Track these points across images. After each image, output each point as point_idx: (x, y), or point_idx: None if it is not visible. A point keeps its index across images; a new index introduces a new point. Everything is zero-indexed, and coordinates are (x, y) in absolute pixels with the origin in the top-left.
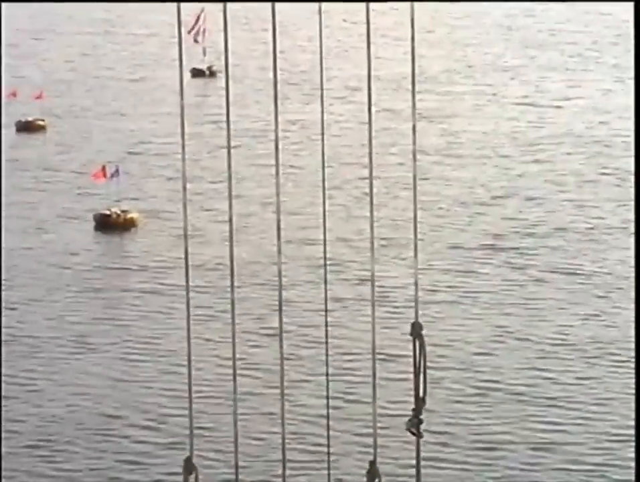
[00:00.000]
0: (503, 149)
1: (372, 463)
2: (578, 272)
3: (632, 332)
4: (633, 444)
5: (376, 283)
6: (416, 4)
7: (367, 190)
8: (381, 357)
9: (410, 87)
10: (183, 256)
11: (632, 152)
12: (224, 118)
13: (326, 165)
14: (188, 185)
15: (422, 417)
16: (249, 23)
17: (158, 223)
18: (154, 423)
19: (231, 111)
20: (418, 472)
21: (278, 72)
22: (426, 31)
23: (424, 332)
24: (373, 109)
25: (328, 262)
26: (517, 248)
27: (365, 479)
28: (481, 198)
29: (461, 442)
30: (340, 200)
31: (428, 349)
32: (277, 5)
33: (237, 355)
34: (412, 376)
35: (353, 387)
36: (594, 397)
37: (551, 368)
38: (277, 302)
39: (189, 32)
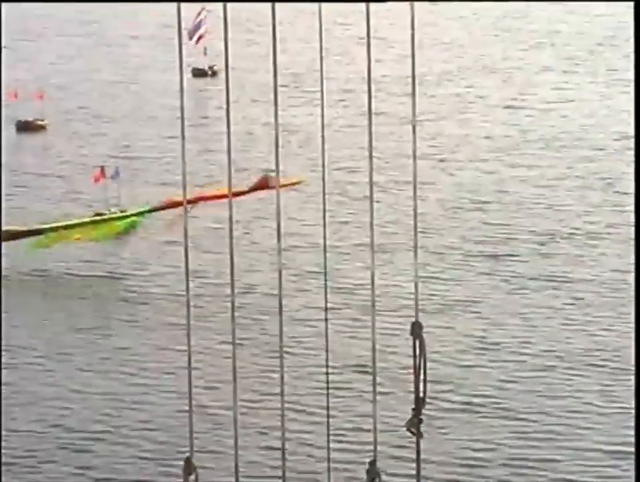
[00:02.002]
0: (489, 153)
1: (372, 463)
2: (565, 279)
3: (623, 341)
4: (626, 459)
5: (359, 291)
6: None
7: (352, 195)
8: (361, 368)
9: (396, 90)
10: (170, 263)
11: (621, 156)
12: (216, 121)
13: (310, 169)
14: (172, 190)
15: (422, 417)
16: (237, 24)
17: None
18: (135, 435)
19: (217, 114)
20: (418, 472)
21: (268, 75)
22: (417, 32)
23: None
24: (360, 112)
25: (309, 269)
26: (502, 255)
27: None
28: (465, 203)
29: (442, 459)
30: (322, 205)
31: (410, 360)
32: (269, 5)
33: (215, 364)
34: (390, 391)
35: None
36: (583, 410)
37: (538, 380)
38: (261, 310)
39: (191, 36)
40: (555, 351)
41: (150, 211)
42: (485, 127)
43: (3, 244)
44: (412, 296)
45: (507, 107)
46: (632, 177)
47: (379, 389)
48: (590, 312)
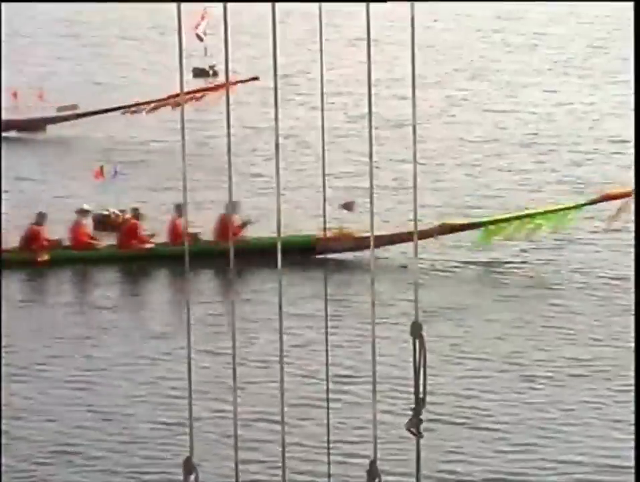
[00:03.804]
0: (476, 157)
1: (372, 463)
2: (554, 286)
3: (612, 351)
4: (613, 473)
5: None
6: (401, 5)
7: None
8: (345, 378)
9: (385, 93)
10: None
11: (610, 160)
12: (209, 124)
13: (305, 174)
14: (156, 195)
15: (421, 417)
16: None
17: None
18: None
19: (201, 117)
20: (418, 472)
21: (258, 77)
22: (405, 33)
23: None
24: (350, 115)
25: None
26: (488, 261)
27: (365, 479)
28: (450, 208)
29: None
30: (292, 212)
31: (384, 371)
32: (258, 6)
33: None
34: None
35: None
36: (569, 422)
37: (521, 391)
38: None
39: (196, 30)
40: (541, 360)
41: (586, 204)
42: (472, 131)
43: (446, 236)
44: (391, 304)
45: (496, 110)
46: (621, 181)
47: (356, 399)
48: (580, 320)
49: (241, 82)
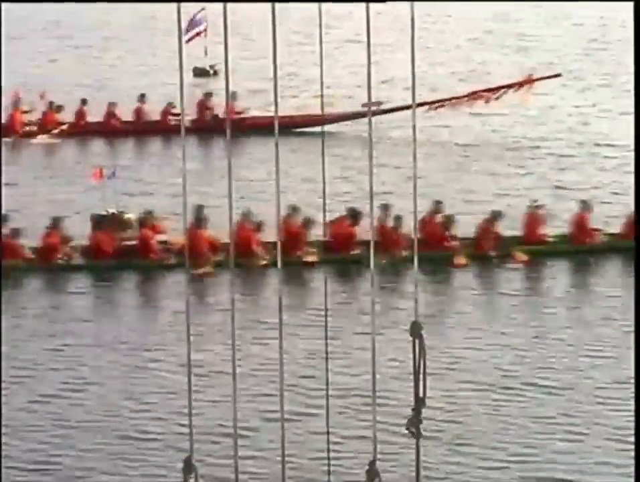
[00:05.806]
0: (458, 161)
1: (372, 463)
2: (539, 293)
3: (597, 361)
4: None
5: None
6: (394, 6)
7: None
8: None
9: (374, 95)
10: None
11: (598, 165)
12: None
13: (292, 180)
14: (146, 200)
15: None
16: (217, 26)
17: None
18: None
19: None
20: (418, 472)
21: (248, 80)
22: (398, 35)
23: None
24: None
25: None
26: (470, 268)
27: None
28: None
29: None
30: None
31: (352, 380)
32: (250, 7)
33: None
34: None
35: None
36: (552, 430)
37: (503, 402)
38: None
39: (188, 36)
40: (525, 371)
41: None
42: (458, 134)
43: None
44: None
45: (483, 114)
46: (606, 185)
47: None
48: (566, 328)
49: (541, 79)
